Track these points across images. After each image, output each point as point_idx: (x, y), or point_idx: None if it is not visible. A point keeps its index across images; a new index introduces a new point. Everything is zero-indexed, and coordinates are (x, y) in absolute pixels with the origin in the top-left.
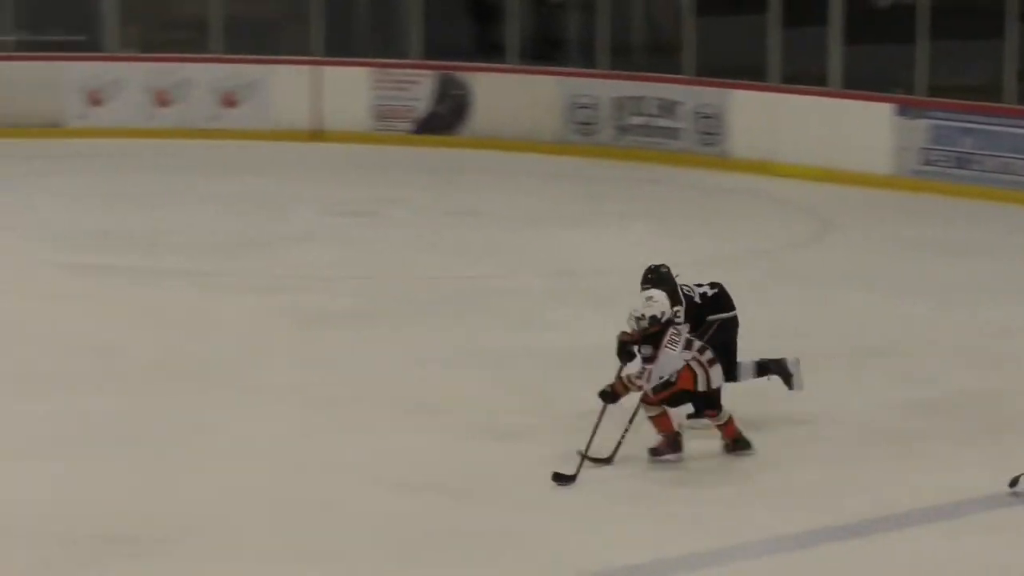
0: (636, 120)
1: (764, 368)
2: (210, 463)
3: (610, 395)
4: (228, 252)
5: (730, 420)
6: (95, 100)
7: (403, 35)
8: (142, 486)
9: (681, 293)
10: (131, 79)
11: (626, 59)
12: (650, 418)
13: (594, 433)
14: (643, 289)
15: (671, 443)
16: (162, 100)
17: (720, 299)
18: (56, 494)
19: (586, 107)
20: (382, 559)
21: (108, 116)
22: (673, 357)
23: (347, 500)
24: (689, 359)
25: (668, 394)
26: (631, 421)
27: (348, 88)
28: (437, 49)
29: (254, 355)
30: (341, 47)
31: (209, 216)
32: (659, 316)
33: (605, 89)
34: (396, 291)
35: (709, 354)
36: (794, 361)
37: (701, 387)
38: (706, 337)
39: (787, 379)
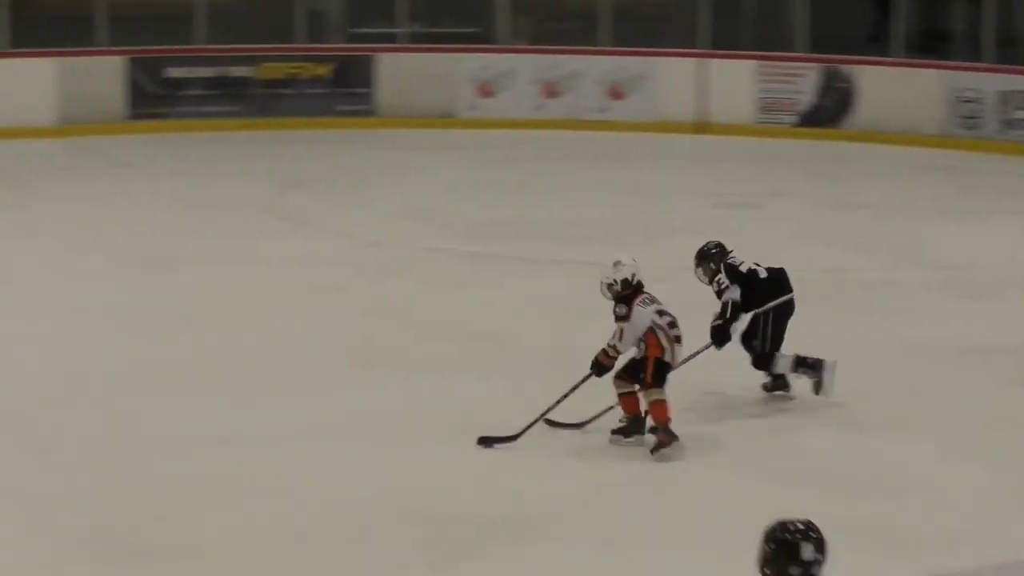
0: (1021, 114)
1: (801, 363)
2: (586, 452)
3: (595, 365)
4: (614, 242)
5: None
6: (486, 91)
7: (788, 28)
8: (518, 471)
9: (724, 265)
10: (521, 71)
11: (1012, 52)
12: (619, 395)
13: (562, 399)
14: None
15: (632, 424)
16: (550, 92)
17: (774, 282)
18: (434, 477)
19: (970, 101)
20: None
21: (498, 107)
22: (643, 314)
23: (721, 491)
24: (655, 318)
25: (653, 371)
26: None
27: (733, 81)
28: (822, 42)
29: None
30: (727, 40)
31: (595, 207)
32: (630, 279)
33: (990, 83)
34: None
35: (677, 331)
36: (831, 364)
37: (667, 358)
38: (769, 326)
39: (817, 382)
